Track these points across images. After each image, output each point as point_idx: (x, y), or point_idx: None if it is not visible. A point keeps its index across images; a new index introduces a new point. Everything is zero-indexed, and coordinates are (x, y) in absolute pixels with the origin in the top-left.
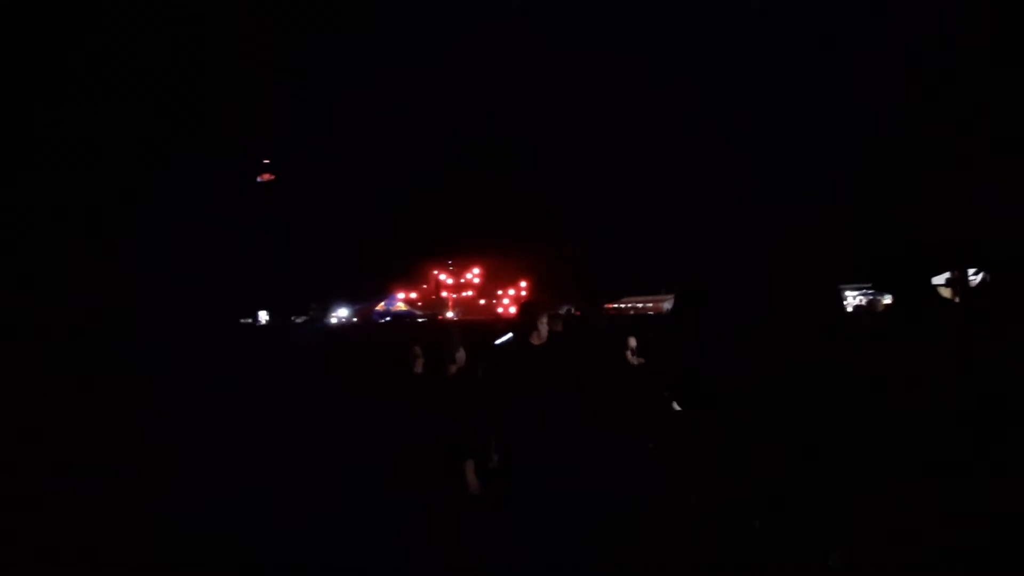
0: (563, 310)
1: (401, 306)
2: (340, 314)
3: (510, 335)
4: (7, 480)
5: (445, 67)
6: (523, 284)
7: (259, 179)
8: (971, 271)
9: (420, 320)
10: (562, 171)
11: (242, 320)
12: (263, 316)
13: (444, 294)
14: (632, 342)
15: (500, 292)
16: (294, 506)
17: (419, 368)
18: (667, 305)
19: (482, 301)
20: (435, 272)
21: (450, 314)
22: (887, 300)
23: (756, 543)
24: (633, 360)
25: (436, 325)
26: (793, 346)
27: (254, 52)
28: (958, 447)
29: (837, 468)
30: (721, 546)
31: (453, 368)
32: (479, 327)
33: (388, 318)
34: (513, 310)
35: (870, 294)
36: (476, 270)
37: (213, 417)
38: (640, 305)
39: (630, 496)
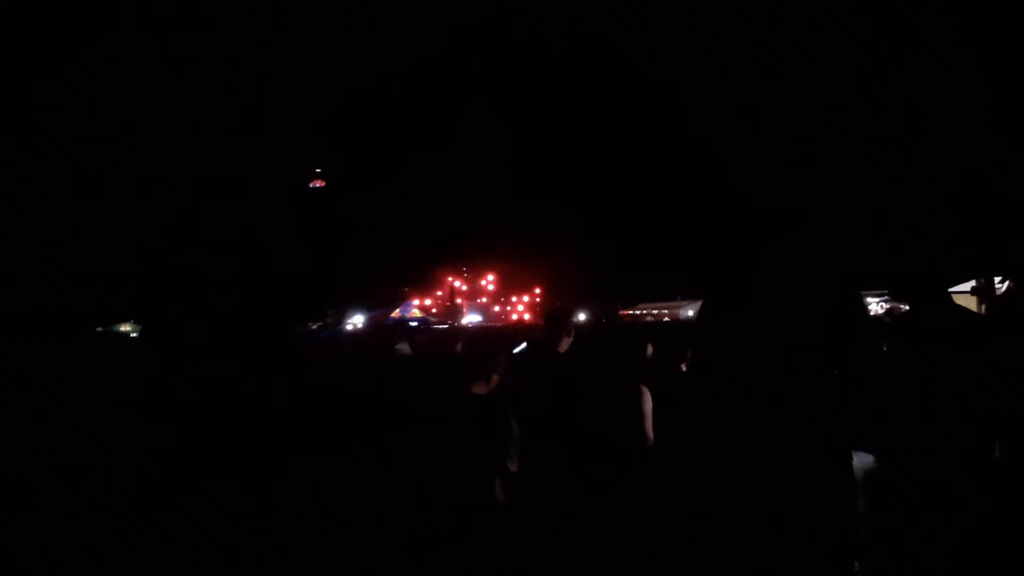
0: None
1: (416, 312)
2: (356, 320)
3: (524, 344)
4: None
5: (445, 67)
6: (538, 291)
7: (311, 185)
8: (997, 279)
9: (437, 327)
10: (573, 175)
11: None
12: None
13: (459, 301)
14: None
15: (515, 299)
16: (300, 507)
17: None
18: (683, 311)
19: (497, 308)
20: (449, 279)
21: (467, 320)
22: (905, 308)
23: (759, 544)
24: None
25: (467, 336)
26: (804, 349)
27: (252, 54)
28: (966, 449)
29: (851, 472)
30: (722, 546)
31: (486, 386)
32: (498, 335)
33: (415, 323)
34: (528, 317)
35: (888, 302)
36: (491, 276)
37: (228, 416)
38: (656, 312)
39: (630, 496)
